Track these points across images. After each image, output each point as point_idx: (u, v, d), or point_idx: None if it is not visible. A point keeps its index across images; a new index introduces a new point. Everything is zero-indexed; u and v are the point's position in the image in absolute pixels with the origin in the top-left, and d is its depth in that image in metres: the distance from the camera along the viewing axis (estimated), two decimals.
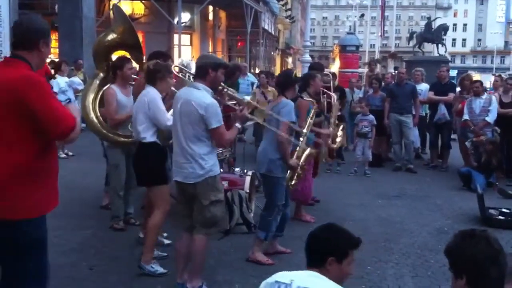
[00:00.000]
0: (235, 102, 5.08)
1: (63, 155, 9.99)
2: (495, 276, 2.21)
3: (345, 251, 2.61)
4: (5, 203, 2.80)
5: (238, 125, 4.37)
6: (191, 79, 4.94)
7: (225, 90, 4.70)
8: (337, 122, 7.57)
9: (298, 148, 5.36)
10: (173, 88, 5.07)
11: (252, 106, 5.24)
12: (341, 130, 7.67)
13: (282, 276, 2.47)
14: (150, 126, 4.78)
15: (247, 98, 5.42)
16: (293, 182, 5.32)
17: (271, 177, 5.11)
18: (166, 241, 5.45)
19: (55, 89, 10.53)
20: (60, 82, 10.80)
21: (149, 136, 4.79)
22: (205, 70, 4.20)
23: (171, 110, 4.59)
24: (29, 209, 2.86)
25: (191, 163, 4.14)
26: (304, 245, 2.67)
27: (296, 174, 5.29)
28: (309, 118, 5.60)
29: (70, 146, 10.01)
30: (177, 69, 5.31)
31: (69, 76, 12.03)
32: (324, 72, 8.15)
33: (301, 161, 5.32)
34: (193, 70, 4.93)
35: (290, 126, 4.97)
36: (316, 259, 2.59)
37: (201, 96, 4.10)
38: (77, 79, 12.09)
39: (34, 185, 2.86)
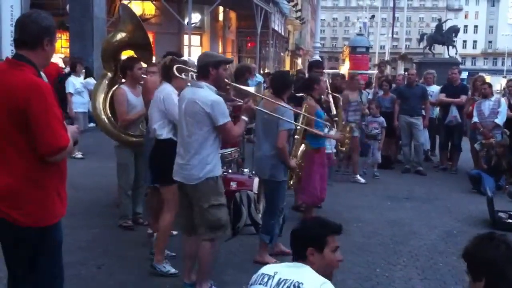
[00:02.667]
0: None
1: (80, 155, 9.81)
2: None
3: (323, 239, 2.59)
4: (25, 211, 2.74)
5: (244, 117, 4.28)
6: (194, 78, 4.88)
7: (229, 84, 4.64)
8: (344, 123, 7.56)
9: (294, 147, 5.44)
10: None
11: (258, 97, 5.15)
12: (349, 132, 7.65)
13: (268, 268, 2.59)
14: (166, 123, 4.74)
15: (252, 89, 5.34)
16: (291, 182, 5.39)
17: (274, 182, 5.07)
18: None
19: (71, 90, 10.38)
20: (75, 83, 10.65)
21: (165, 133, 4.74)
22: (206, 69, 4.13)
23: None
24: (52, 214, 2.84)
25: (192, 164, 4.07)
26: None
27: (295, 173, 5.37)
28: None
29: (78, 146, 9.99)
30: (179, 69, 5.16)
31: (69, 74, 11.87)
32: (322, 71, 8.16)
33: (297, 158, 5.41)
34: None
35: (288, 133, 5.02)
36: (298, 253, 2.62)
37: (206, 94, 4.05)
38: (92, 80, 11.95)
39: (52, 189, 2.82)
